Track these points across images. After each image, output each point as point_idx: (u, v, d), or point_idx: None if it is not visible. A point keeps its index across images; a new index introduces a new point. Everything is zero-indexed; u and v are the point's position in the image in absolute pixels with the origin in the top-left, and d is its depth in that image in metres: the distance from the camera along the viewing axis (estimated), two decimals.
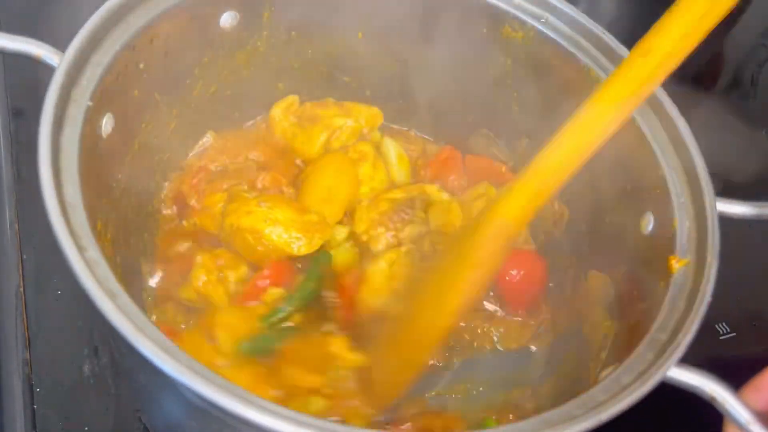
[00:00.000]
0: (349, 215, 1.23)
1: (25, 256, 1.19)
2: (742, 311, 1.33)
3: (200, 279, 1.12)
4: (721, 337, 1.29)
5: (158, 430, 1.09)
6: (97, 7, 0.94)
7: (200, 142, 1.26)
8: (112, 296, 0.74)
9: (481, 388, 1.17)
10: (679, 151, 1.03)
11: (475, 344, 1.20)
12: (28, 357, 1.10)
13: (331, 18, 1.21)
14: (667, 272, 0.96)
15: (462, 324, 1.17)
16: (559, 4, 1.13)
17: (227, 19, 1.13)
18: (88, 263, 0.76)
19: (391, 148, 1.33)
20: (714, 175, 1.00)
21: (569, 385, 1.11)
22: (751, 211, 1.00)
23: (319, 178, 1.24)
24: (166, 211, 1.21)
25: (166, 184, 1.23)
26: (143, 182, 1.14)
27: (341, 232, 1.21)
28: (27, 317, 1.14)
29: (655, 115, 1.06)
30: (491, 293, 1.25)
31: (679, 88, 1.10)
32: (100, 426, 1.08)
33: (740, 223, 1.00)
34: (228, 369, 1.01)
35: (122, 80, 0.98)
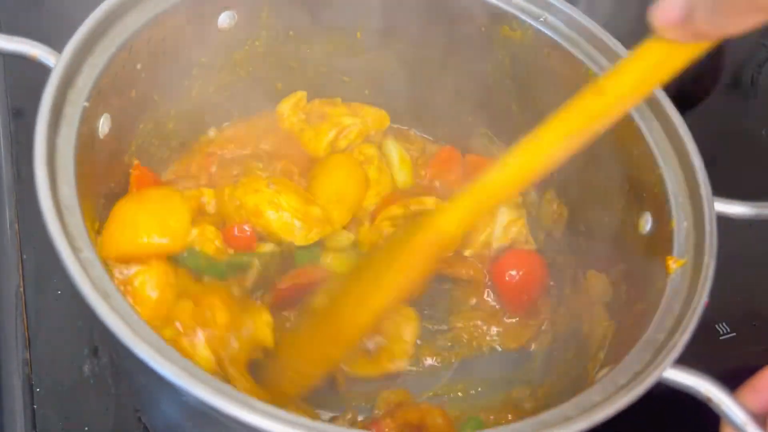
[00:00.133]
0: (355, 221, 1.23)
1: (25, 256, 1.19)
2: (742, 311, 1.33)
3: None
4: (721, 337, 1.29)
5: (158, 430, 1.09)
6: (94, 8, 0.94)
7: (201, 138, 1.27)
8: (106, 297, 0.74)
9: (479, 388, 1.17)
10: (677, 151, 1.03)
11: (474, 344, 1.21)
12: (28, 357, 1.11)
13: (330, 18, 1.21)
14: (664, 272, 0.95)
15: (459, 324, 1.17)
16: (557, 4, 1.13)
17: (225, 19, 1.13)
18: (83, 264, 0.76)
19: (393, 149, 1.33)
20: (712, 175, 0.99)
21: (568, 385, 1.11)
22: (750, 212, 1.00)
23: (329, 179, 1.24)
24: None
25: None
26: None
27: (347, 238, 1.20)
28: (27, 317, 1.14)
29: (653, 115, 1.06)
30: (491, 293, 1.25)
31: (679, 88, 1.10)
32: (100, 426, 1.08)
33: (740, 223, 1.00)
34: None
35: (119, 81, 0.98)
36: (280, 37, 1.22)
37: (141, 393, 1.06)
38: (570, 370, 1.13)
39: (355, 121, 1.29)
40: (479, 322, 1.21)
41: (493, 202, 0.97)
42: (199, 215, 1.16)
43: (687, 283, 0.93)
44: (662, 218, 1.01)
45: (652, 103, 1.06)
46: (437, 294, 1.26)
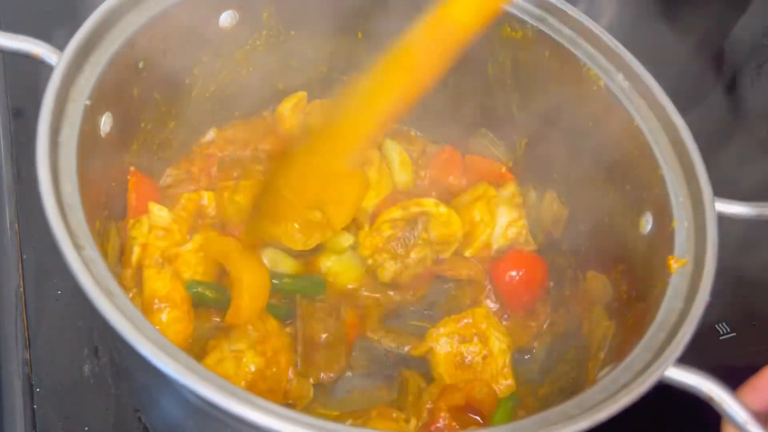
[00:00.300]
0: (356, 223, 1.23)
1: (25, 256, 1.19)
2: (742, 311, 1.33)
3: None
4: (721, 337, 1.29)
5: (158, 430, 1.09)
6: (96, 6, 0.94)
7: (201, 140, 1.26)
8: (110, 295, 0.74)
9: None
10: (678, 151, 1.03)
11: None
12: (28, 357, 1.10)
13: (330, 18, 1.21)
14: (665, 272, 0.96)
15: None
16: (558, 4, 1.13)
17: (226, 19, 1.13)
18: (86, 262, 0.76)
19: (393, 150, 1.33)
20: (713, 175, 1.00)
21: (569, 384, 1.11)
22: (751, 212, 1.00)
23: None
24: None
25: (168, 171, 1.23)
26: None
27: (347, 240, 1.20)
28: (27, 317, 1.14)
29: (654, 115, 1.06)
30: (491, 294, 1.25)
31: (679, 87, 1.11)
32: (100, 426, 1.08)
33: (740, 223, 1.00)
34: None
35: (121, 79, 0.98)
36: (281, 37, 1.22)
37: (141, 392, 1.06)
38: (571, 370, 1.13)
39: None
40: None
41: None
42: (199, 218, 1.16)
43: (688, 282, 0.93)
44: (663, 218, 1.01)
45: (652, 103, 1.06)
46: (437, 294, 1.27)
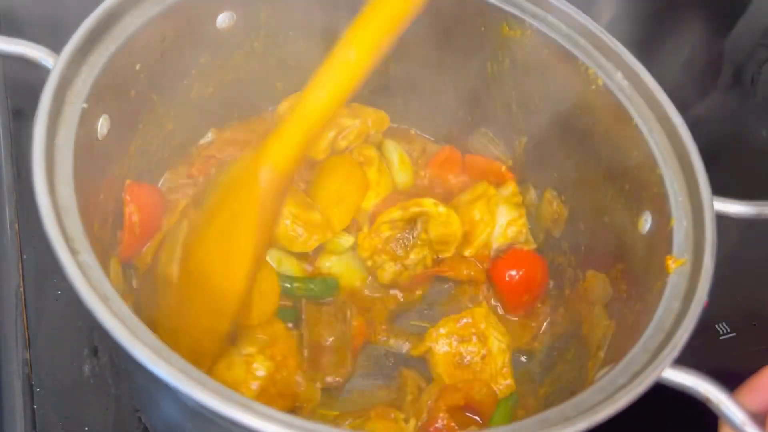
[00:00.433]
0: (355, 223, 1.23)
1: (25, 256, 1.19)
2: (742, 311, 1.33)
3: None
4: (721, 337, 1.29)
5: (158, 430, 1.09)
6: (92, 9, 0.94)
7: (201, 141, 1.26)
8: (105, 300, 0.75)
9: None
10: (677, 151, 1.03)
11: None
12: (28, 357, 1.10)
13: (329, 17, 1.21)
14: (664, 272, 0.95)
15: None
16: (557, 3, 1.13)
17: (224, 20, 1.13)
18: (81, 267, 0.76)
19: (393, 150, 1.33)
20: (712, 175, 0.99)
21: (569, 384, 1.11)
22: (750, 211, 1.00)
23: (329, 181, 1.24)
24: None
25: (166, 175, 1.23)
26: (141, 182, 1.14)
27: (347, 240, 1.20)
28: (27, 317, 1.14)
29: (653, 114, 1.06)
30: (491, 293, 1.25)
31: (679, 87, 1.10)
32: (100, 426, 1.08)
33: (740, 223, 1.00)
34: None
35: (118, 81, 0.98)
36: (280, 37, 1.22)
37: (141, 393, 1.06)
38: (570, 370, 1.13)
39: (354, 121, 1.29)
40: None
41: (320, 126, 0.93)
42: None
43: (686, 282, 0.93)
44: (662, 218, 1.01)
45: (651, 102, 1.06)
46: (437, 294, 1.27)
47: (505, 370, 1.15)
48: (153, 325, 0.91)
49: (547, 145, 1.23)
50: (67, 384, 1.11)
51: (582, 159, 1.15)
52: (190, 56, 1.13)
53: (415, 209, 1.19)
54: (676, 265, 0.95)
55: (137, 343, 0.72)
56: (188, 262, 1.01)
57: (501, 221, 1.24)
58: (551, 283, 1.26)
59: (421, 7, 0.91)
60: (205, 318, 1.01)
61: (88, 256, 0.78)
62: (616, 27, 1.15)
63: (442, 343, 1.15)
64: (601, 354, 1.05)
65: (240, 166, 0.98)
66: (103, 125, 0.96)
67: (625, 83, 1.09)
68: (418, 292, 1.24)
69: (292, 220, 1.14)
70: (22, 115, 1.31)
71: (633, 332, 0.94)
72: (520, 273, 1.23)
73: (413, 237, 1.20)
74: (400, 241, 1.19)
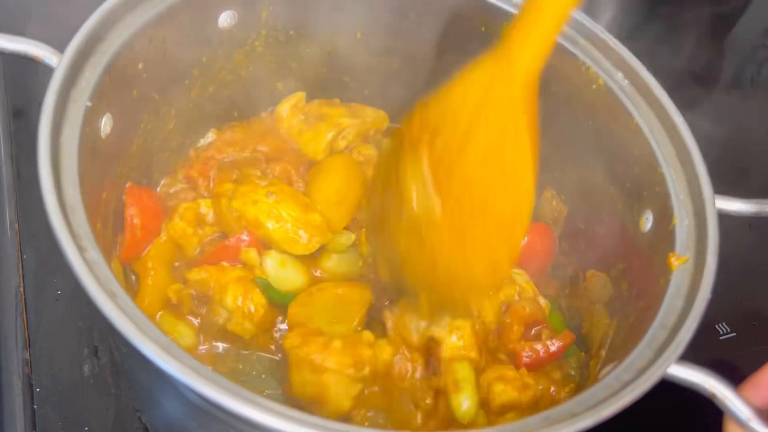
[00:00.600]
0: (356, 221, 1.23)
1: (25, 256, 1.19)
2: (742, 311, 1.33)
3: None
4: (721, 337, 1.29)
5: (158, 430, 1.09)
6: (95, 8, 0.94)
7: (201, 141, 1.26)
8: (112, 297, 0.74)
9: None
10: (678, 150, 1.04)
11: None
12: (28, 357, 1.10)
13: (329, 17, 1.21)
14: (666, 270, 0.96)
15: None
16: None
17: (225, 19, 1.13)
18: (88, 264, 0.76)
19: None
20: (713, 175, 1.00)
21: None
22: (751, 209, 1.01)
23: (328, 179, 1.24)
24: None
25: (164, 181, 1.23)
26: (142, 182, 1.14)
27: (348, 239, 1.20)
28: (27, 317, 1.14)
29: (654, 113, 1.07)
30: None
31: (679, 87, 1.11)
32: (100, 426, 1.08)
33: (740, 224, 1.00)
34: None
35: (121, 80, 0.98)
36: (280, 37, 1.21)
37: (143, 392, 1.06)
38: (571, 369, 1.13)
39: (354, 121, 1.29)
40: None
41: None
42: (198, 226, 1.17)
43: (689, 279, 0.93)
44: (663, 216, 1.01)
45: (652, 101, 1.07)
46: None
47: (538, 297, 1.17)
48: (415, 275, 0.96)
49: (546, 145, 1.22)
50: (67, 384, 1.11)
51: (582, 158, 1.15)
52: (192, 55, 1.13)
53: None
54: (680, 262, 0.95)
55: (145, 340, 0.72)
56: (450, 194, 0.90)
57: None
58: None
59: None
60: (492, 246, 0.94)
61: (95, 253, 0.77)
62: (616, 27, 1.15)
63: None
64: (603, 352, 1.05)
65: (477, 78, 0.90)
66: (106, 124, 0.96)
67: (625, 83, 1.09)
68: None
69: (292, 222, 1.13)
70: (22, 115, 1.31)
71: (635, 330, 0.94)
72: (526, 240, 1.21)
73: None
74: None
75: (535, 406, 1.06)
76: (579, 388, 1.08)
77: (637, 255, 1.06)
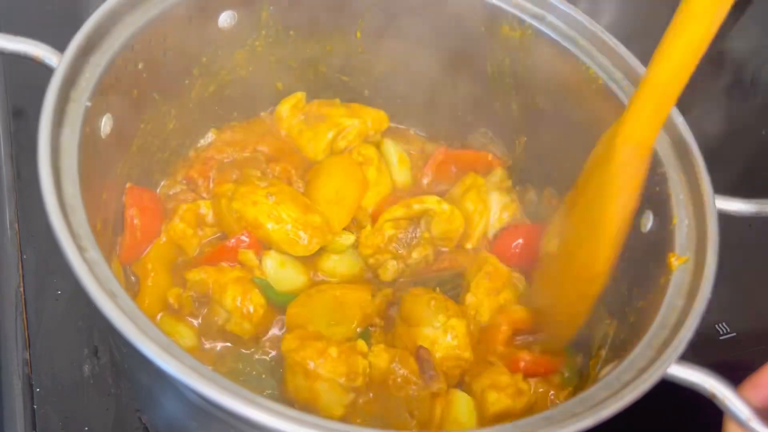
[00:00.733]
0: (356, 222, 1.23)
1: (25, 256, 1.19)
2: (742, 311, 1.33)
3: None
4: (721, 337, 1.29)
5: (158, 430, 1.09)
6: (95, 8, 0.94)
7: (201, 141, 1.26)
8: (112, 297, 0.74)
9: None
10: (678, 150, 1.03)
11: None
12: (28, 357, 1.10)
13: (329, 17, 1.21)
14: (666, 270, 0.96)
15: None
16: (558, 4, 1.13)
17: (225, 19, 1.13)
18: (88, 264, 0.76)
19: (392, 149, 1.33)
20: (713, 175, 1.00)
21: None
22: (751, 209, 1.01)
23: (327, 179, 1.24)
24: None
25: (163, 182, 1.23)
26: (142, 182, 1.14)
27: (347, 239, 1.20)
28: (27, 317, 1.14)
29: None
30: None
31: None
32: (100, 426, 1.08)
33: (740, 224, 1.00)
34: None
35: (121, 80, 0.98)
36: (280, 37, 1.21)
37: (143, 392, 1.06)
38: (571, 369, 1.13)
39: (354, 121, 1.29)
40: None
41: (673, 92, 0.91)
42: (198, 227, 1.17)
43: (689, 279, 0.93)
44: (664, 216, 1.01)
45: None
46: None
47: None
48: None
49: (546, 145, 1.23)
50: (67, 384, 1.11)
51: (582, 158, 1.15)
52: (192, 55, 1.13)
53: (418, 207, 1.19)
54: (680, 262, 0.95)
55: (145, 340, 0.72)
56: (564, 237, 1.06)
57: (495, 208, 1.25)
58: None
59: None
60: (572, 293, 1.05)
61: (95, 254, 0.77)
62: (616, 27, 1.15)
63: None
64: (603, 352, 1.05)
65: (604, 141, 0.99)
66: (106, 124, 0.96)
67: (625, 83, 1.09)
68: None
69: (292, 224, 1.13)
70: (22, 115, 1.31)
71: (635, 330, 0.94)
72: (522, 243, 1.24)
73: (416, 236, 1.20)
74: (403, 241, 1.19)
75: (529, 411, 1.06)
76: (576, 390, 1.08)
77: (637, 255, 1.05)
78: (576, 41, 1.13)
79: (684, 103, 1.05)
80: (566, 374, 1.12)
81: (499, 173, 1.30)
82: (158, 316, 1.10)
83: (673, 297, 0.92)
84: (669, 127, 1.04)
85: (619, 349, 0.96)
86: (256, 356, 1.11)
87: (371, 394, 1.05)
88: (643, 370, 0.83)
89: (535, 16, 1.15)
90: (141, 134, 1.11)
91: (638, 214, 1.06)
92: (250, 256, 1.13)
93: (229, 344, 1.10)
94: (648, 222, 1.04)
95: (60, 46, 0.91)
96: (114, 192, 1.06)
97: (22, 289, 1.16)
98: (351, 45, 1.27)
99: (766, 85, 1.64)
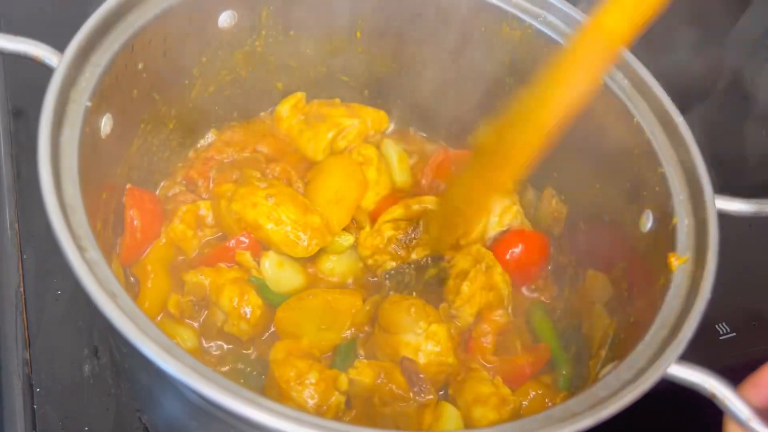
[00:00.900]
0: (355, 222, 1.23)
1: (25, 256, 1.19)
2: (742, 311, 1.33)
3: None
4: (721, 337, 1.29)
5: (158, 430, 1.09)
6: (95, 8, 0.94)
7: (201, 142, 1.26)
8: (113, 297, 0.74)
9: None
10: (678, 150, 1.03)
11: None
12: (28, 357, 1.10)
13: (329, 17, 1.21)
14: (666, 270, 0.96)
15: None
16: (557, 3, 1.13)
17: (225, 19, 1.13)
18: (88, 264, 0.76)
19: (392, 149, 1.33)
20: (713, 173, 1.00)
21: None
22: (750, 209, 1.01)
23: (327, 179, 1.24)
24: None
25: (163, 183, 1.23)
26: (142, 182, 1.14)
27: (346, 240, 1.20)
28: (27, 317, 1.14)
29: (654, 113, 1.06)
30: None
31: (679, 87, 1.11)
32: (100, 426, 1.08)
33: (740, 224, 1.00)
34: None
35: (121, 80, 0.98)
36: (280, 37, 1.21)
37: (143, 392, 1.06)
38: (571, 368, 1.13)
39: (354, 121, 1.29)
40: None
41: None
42: (197, 228, 1.17)
43: (689, 279, 0.94)
44: (664, 216, 1.01)
45: (652, 101, 1.07)
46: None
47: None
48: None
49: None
50: (67, 384, 1.11)
51: (582, 158, 1.15)
52: (192, 55, 1.13)
53: (417, 207, 1.19)
54: (680, 262, 0.95)
55: (145, 340, 0.72)
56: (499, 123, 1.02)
57: (495, 210, 1.24)
58: (551, 281, 1.26)
59: None
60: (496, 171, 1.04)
61: (95, 254, 0.77)
62: None
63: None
64: (603, 352, 1.05)
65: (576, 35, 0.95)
66: (106, 124, 0.96)
67: (625, 83, 1.09)
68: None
69: (292, 225, 1.13)
70: (22, 115, 1.31)
71: (635, 330, 0.94)
72: (520, 249, 1.23)
73: (415, 238, 1.20)
74: (402, 242, 1.19)
75: (516, 416, 1.06)
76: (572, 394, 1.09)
77: (637, 255, 1.06)
78: None
79: (684, 103, 1.06)
80: (564, 371, 1.14)
81: None
82: (158, 318, 1.10)
83: (673, 297, 0.92)
84: (668, 126, 1.04)
85: (619, 349, 0.97)
86: (256, 355, 1.10)
87: (354, 412, 1.05)
88: (643, 370, 0.83)
89: (534, 16, 1.15)
90: (141, 134, 1.11)
91: (638, 213, 1.06)
92: (247, 257, 1.13)
93: (228, 345, 1.10)
94: (648, 222, 1.04)
95: (60, 46, 0.91)
96: (114, 192, 1.06)
97: (22, 289, 1.16)
98: (351, 44, 1.26)
99: (766, 85, 1.64)
